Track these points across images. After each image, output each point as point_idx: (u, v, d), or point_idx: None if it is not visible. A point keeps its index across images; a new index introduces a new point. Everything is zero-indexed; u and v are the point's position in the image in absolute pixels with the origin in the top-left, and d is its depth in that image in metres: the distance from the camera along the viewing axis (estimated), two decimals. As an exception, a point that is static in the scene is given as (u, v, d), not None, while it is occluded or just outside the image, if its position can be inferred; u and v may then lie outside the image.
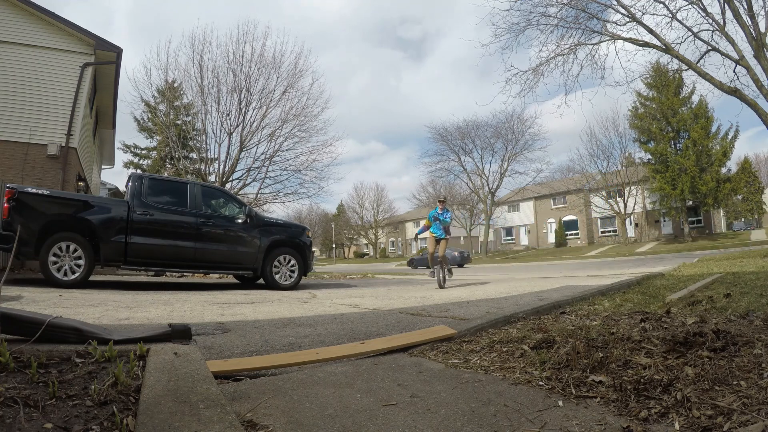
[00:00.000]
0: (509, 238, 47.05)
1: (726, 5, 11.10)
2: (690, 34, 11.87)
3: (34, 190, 5.85)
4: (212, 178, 17.05)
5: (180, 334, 1.57)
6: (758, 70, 11.22)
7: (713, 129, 29.26)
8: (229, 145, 16.73)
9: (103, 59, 11.47)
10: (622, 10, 12.13)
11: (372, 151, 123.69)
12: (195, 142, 18.31)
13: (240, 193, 16.78)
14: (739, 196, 36.93)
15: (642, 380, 1.32)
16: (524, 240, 45.50)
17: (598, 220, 39.54)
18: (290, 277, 7.37)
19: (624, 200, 34.55)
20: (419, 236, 7.32)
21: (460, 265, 25.96)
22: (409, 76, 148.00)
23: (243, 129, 16.77)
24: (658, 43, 12.04)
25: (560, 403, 1.29)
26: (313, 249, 9.48)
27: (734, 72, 11.74)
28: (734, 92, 11.62)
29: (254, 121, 16.91)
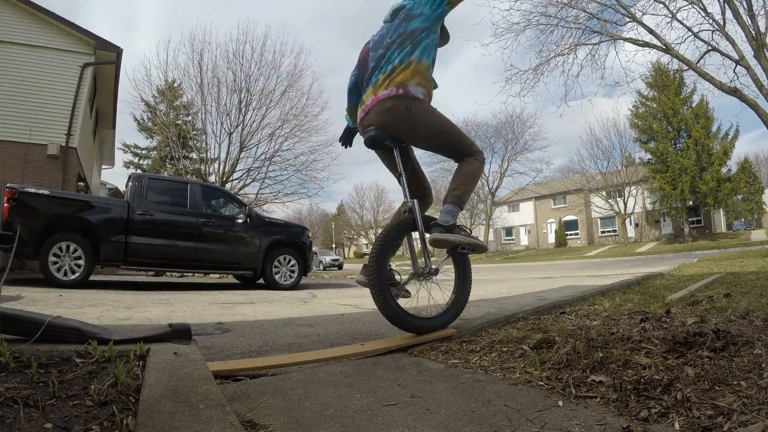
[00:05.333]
0: (509, 238, 47.06)
1: (726, 5, 11.10)
2: (690, 34, 11.88)
3: (34, 190, 5.86)
4: (212, 178, 17.05)
5: (180, 334, 1.57)
6: (758, 70, 11.23)
7: (713, 129, 29.27)
8: (229, 145, 16.75)
9: (103, 59, 11.49)
10: (622, 10, 12.14)
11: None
12: (195, 142, 18.33)
13: (240, 193, 16.78)
14: (739, 196, 36.93)
15: (642, 380, 1.32)
16: (524, 240, 45.51)
17: (598, 220, 39.54)
18: (290, 277, 7.37)
19: (624, 200, 34.54)
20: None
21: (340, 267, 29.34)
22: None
23: (243, 129, 16.79)
24: (658, 43, 12.04)
25: (560, 403, 1.29)
26: (314, 249, 9.46)
27: (734, 72, 11.76)
28: (734, 92, 11.63)
29: (254, 121, 16.93)
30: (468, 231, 2.23)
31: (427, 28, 2.18)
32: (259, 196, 17.54)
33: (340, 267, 31.29)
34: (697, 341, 1.62)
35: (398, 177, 2.32)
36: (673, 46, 11.98)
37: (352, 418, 1.21)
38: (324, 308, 4.00)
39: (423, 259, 2.24)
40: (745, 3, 11.04)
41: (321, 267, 31.10)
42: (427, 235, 2.16)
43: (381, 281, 2.04)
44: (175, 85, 18.01)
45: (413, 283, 2.29)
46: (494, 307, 3.22)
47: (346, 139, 2.76)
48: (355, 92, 2.50)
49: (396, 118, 2.15)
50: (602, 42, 12.37)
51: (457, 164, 2.29)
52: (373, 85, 2.24)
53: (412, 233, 2.29)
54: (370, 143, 2.32)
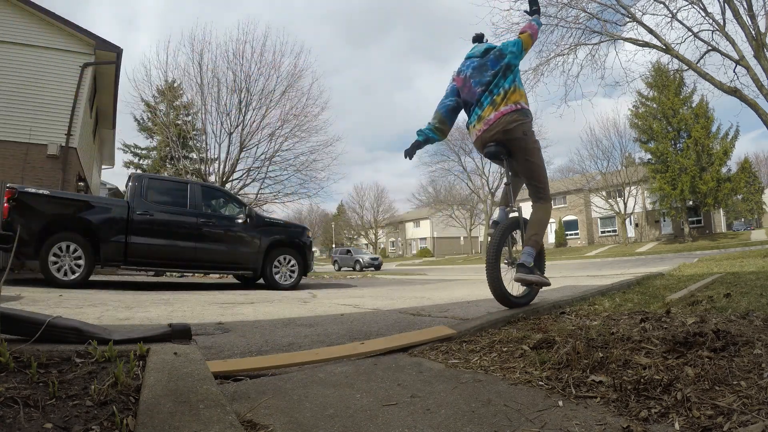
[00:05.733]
0: (509, 238, 46.99)
1: (726, 5, 11.10)
2: (690, 34, 11.88)
3: (34, 190, 5.86)
4: (212, 178, 17.05)
5: (180, 334, 1.57)
6: (758, 70, 11.23)
7: (713, 129, 29.26)
8: (229, 145, 16.75)
9: (103, 59, 11.48)
10: (622, 10, 12.13)
11: (378, 156, 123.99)
12: (195, 142, 18.33)
13: (240, 193, 16.78)
14: (739, 196, 36.93)
15: (642, 380, 1.32)
16: (524, 240, 45.42)
17: (598, 220, 39.53)
18: (290, 277, 7.37)
19: (624, 200, 34.52)
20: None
21: (377, 267, 27.15)
22: (424, 79, 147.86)
23: (243, 129, 16.78)
24: (658, 44, 12.04)
25: (560, 403, 1.29)
26: (314, 249, 9.47)
27: (734, 72, 11.76)
28: (734, 92, 11.63)
29: (254, 121, 16.93)
30: (539, 270, 2.86)
31: (517, 64, 2.87)
32: (259, 196, 17.54)
33: (378, 267, 27.14)
34: (697, 341, 1.62)
35: (506, 185, 3.04)
36: (673, 46, 11.98)
37: (352, 418, 1.21)
38: (324, 308, 4.00)
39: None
40: (745, 3, 11.04)
41: (358, 267, 27.47)
42: (514, 273, 2.78)
43: (497, 258, 2.77)
44: (175, 85, 18.01)
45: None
46: (494, 307, 3.22)
47: (412, 152, 3.13)
48: (450, 113, 3.03)
49: (514, 138, 2.76)
50: (602, 42, 12.37)
51: (531, 200, 2.95)
52: (491, 104, 2.79)
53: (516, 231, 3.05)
54: (490, 155, 2.88)
